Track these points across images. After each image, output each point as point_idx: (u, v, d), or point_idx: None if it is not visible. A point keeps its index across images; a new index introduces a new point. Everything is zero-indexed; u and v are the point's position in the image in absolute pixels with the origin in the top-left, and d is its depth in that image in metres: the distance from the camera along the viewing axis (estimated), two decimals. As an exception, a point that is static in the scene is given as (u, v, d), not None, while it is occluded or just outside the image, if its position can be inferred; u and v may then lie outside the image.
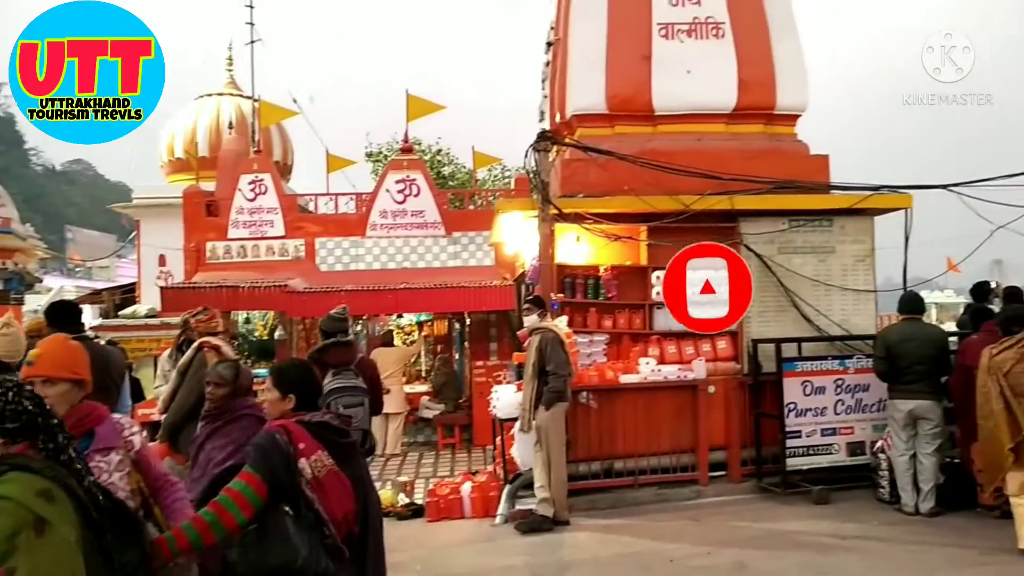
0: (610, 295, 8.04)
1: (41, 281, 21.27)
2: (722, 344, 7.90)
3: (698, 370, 7.54)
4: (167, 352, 7.32)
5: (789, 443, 7.23)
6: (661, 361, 7.71)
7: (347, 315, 5.89)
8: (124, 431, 2.93)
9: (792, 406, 7.26)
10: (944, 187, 7.54)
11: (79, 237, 37.06)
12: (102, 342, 12.17)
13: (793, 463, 7.23)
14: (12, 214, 18.26)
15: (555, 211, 7.64)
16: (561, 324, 7.28)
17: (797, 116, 8.46)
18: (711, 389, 7.48)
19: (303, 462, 2.86)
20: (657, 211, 7.62)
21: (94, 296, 21.06)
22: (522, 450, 7.16)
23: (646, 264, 8.00)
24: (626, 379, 7.47)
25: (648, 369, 7.53)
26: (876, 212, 8.06)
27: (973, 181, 7.41)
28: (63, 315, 5.26)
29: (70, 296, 22.80)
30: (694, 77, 8.13)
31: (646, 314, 8.00)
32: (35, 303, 21.03)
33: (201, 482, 3.74)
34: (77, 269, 33.39)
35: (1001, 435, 5.37)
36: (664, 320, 7.97)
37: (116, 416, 2.98)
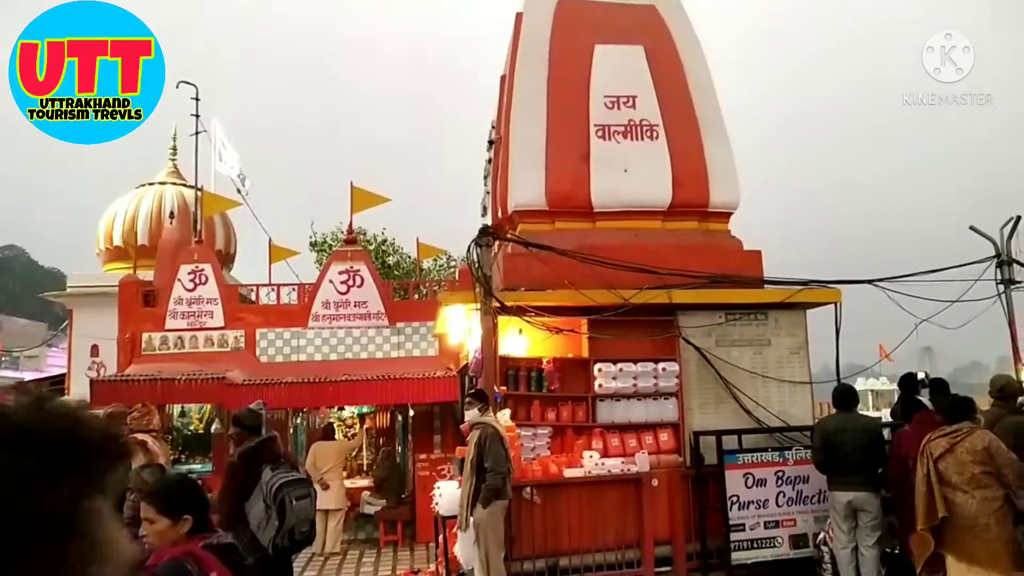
0: (553, 387, 8.05)
1: (-38, 372, 20.33)
2: (664, 436, 7.94)
3: (641, 463, 7.53)
4: None
5: (733, 536, 7.21)
6: (604, 454, 7.69)
7: (264, 410, 5.85)
8: None
9: (735, 499, 7.28)
10: (870, 282, 7.88)
11: (7, 325, 35.67)
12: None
13: (738, 557, 7.19)
14: (-64, 303, 17.56)
15: (497, 304, 7.70)
16: (504, 417, 7.23)
17: (730, 213, 8.82)
18: (655, 482, 7.45)
19: None
20: (597, 304, 7.75)
21: (19, 387, 20.15)
22: (465, 548, 6.97)
23: (588, 356, 8.06)
24: (570, 473, 7.39)
25: (592, 463, 7.48)
26: (808, 306, 8.35)
27: (896, 276, 7.77)
28: None
29: (-7, 388, 21.73)
30: (631, 175, 8.45)
31: (589, 406, 8.01)
32: (-45, 395, 19.97)
33: None
34: (3, 359, 32.00)
35: (918, 515, 5.47)
36: (607, 412, 8.00)
37: None
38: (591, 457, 7.53)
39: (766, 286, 8.35)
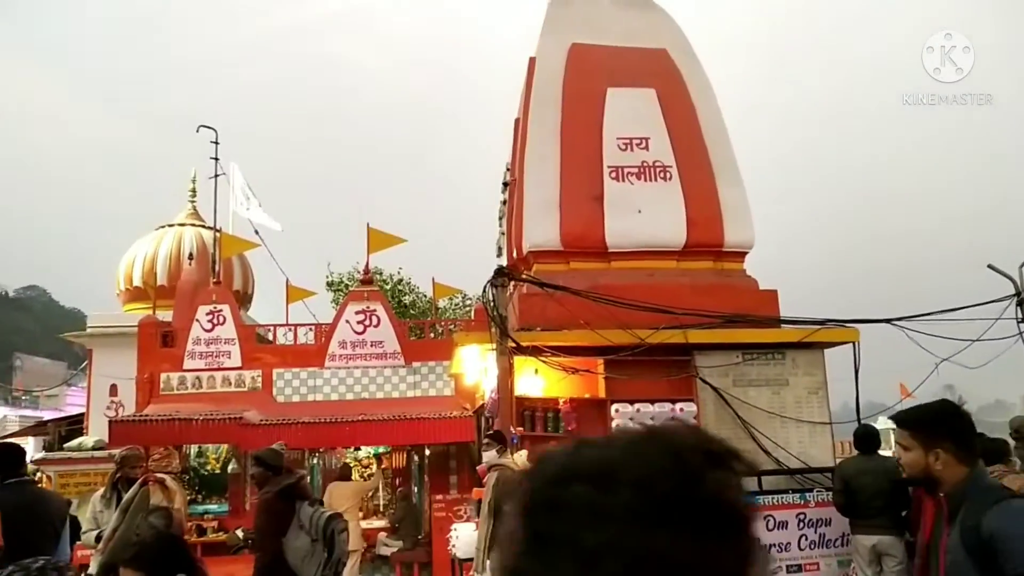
0: (570, 428, 8.01)
1: (-18, 413, 20.51)
2: (682, 478, 7.85)
3: (659, 505, 7.44)
4: (99, 492, 7.03)
5: (754, 581, 7.08)
6: (622, 496, 7.61)
7: (284, 450, 6.05)
8: None
9: (755, 542, 7.16)
10: (887, 321, 7.83)
11: (27, 365, 36.02)
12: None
13: (759, 602, 7.04)
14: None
15: (513, 344, 7.72)
16: (521, 459, 7.19)
17: (745, 252, 8.83)
18: (673, 525, 7.35)
19: None
20: (613, 344, 7.74)
21: (39, 427, 20.29)
22: (482, 593, 6.89)
23: (604, 396, 8.04)
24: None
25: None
26: (825, 345, 8.30)
27: (914, 316, 7.72)
28: (6, 459, 5.13)
29: (12, 427, 21.91)
30: (644, 216, 8.50)
31: (606, 447, 7.95)
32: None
33: None
34: (23, 398, 32.26)
35: None
36: (624, 453, 7.94)
37: None
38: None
39: (783, 326, 8.32)
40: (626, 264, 8.53)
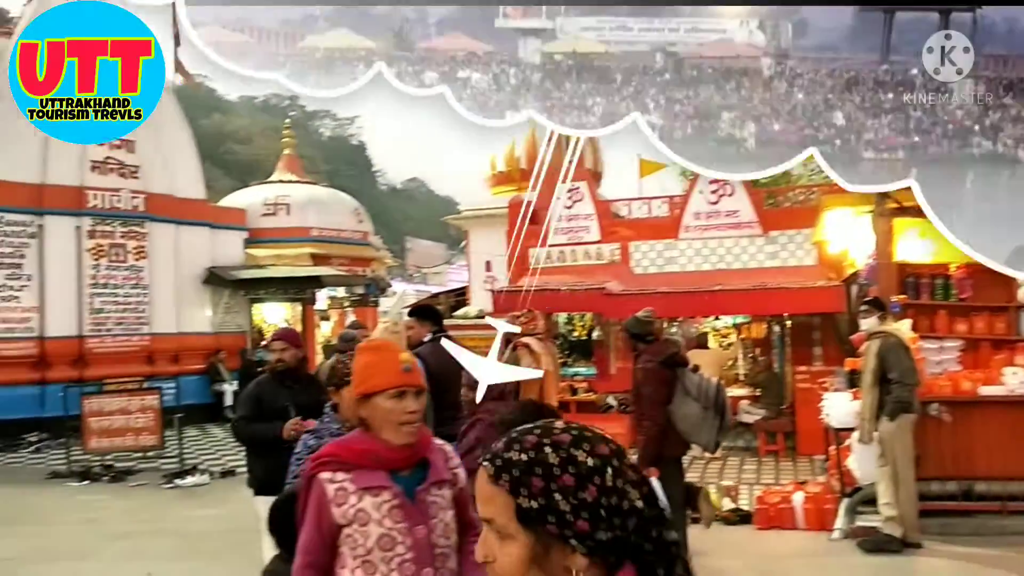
0: (963, 296, 7.22)
1: (390, 286, 24.41)
2: (1117, 354, 6.68)
3: (1084, 383, 6.46)
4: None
5: None
6: (1032, 372, 6.73)
7: (653, 318, 5.93)
8: (451, 460, 2.40)
9: None
10: None
11: (416, 247, 41.80)
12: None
13: None
14: (369, 228, 21.28)
15: (894, 205, 7.04)
16: (904, 328, 6.68)
17: None
18: (1102, 406, 6.36)
19: None
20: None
21: (432, 299, 23.71)
22: (861, 462, 6.70)
23: (1009, 260, 7.02)
24: (986, 391, 6.65)
25: (1016, 380, 6.62)
26: None
27: None
28: (431, 314, 6.07)
29: (411, 299, 25.84)
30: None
31: (1010, 318, 7.04)
32: (385, 305, 24.15)
33: None
34: (415, 275, 37.78)
35: None
36: (1035, 325, 6.95)
37: (437, 442, 2.43)
38: (1015, 374, 6.65)
39: None
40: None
